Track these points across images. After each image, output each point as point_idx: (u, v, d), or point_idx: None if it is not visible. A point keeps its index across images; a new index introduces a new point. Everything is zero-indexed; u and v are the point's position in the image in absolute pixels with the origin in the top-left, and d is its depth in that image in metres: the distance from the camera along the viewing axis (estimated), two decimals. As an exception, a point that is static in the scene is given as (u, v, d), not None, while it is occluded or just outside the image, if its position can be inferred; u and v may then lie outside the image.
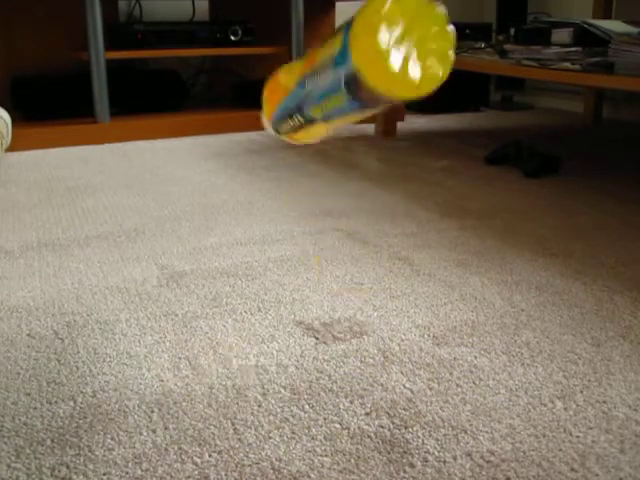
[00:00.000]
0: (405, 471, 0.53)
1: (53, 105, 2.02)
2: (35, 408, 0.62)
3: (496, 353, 0.71)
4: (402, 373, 0.67)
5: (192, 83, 2.39)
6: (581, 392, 0.64)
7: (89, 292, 0.88)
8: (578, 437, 0.57)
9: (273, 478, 0.52)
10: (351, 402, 0.62)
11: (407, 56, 0.50)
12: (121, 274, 0.94)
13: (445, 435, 0.57)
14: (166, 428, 0.59)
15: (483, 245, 1.05)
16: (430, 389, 0.64)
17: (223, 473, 0.53)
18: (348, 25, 0.53)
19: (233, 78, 2.40)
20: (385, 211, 1.23)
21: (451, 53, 0.53)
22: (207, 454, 0.55)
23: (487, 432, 0.58)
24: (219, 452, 0.56)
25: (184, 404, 0.62)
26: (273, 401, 0.62)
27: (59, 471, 0.53)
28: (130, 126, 1.99)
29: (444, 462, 0.54)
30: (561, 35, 1.54)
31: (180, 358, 0.71)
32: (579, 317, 0.79)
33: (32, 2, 2.09)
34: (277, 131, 0.66)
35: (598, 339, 0.74)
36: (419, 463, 0.54)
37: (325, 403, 0.62)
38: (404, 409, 0.61)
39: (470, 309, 0.82)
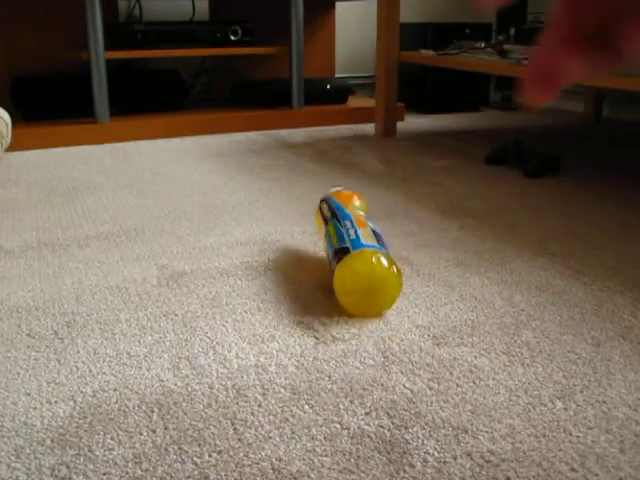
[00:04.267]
0: (405, 471, 0.53)
1: (53, 105, 2.02)
2: (35, 408, 0.62)
3: (496, 353, 0.71)
4: (402, 373, 0.67)
5: (192, 83, 2.39)
6: (581, 392, 0.64)
7: (89, 292, 0.88)
8: (578, 437, 0.57)
9: (273, 478, 0.52)
10: (351, 402, 0.62)
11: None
12: (121, 274, 0.94)
13: (445, 435, 0.57)
14: (166, 428, 0.59)
15: (483, 245, 1.05)
16: (430, 389, 0.64)
17: (223, 473, 0.53)
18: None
19: (233, 78, 2.40)
20: (385, 211, 1.23)
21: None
22: (207, 454, 0.55)
23: (487, 432, 0.58)
24: (219, 452, 0.56)
25: (184, 404, 0.62)
26: (273, 401, 0.62)
27: (59, 471, 0.53)
28: (130, 126, 1.99)
29: (444, 462, 0.54)
30: (561, 35, 1.54)
31: (180, 358, 0.71)
32: (579, 317, 0.79)
33: (32, 2, 2.09)
34: None
35: (598, 339, 0.74)
36: (419, 463, 0.54)
37: (325, 403, 0.62)
38: (404, 409, 0.61)
39: (470, 309, 0.82)
